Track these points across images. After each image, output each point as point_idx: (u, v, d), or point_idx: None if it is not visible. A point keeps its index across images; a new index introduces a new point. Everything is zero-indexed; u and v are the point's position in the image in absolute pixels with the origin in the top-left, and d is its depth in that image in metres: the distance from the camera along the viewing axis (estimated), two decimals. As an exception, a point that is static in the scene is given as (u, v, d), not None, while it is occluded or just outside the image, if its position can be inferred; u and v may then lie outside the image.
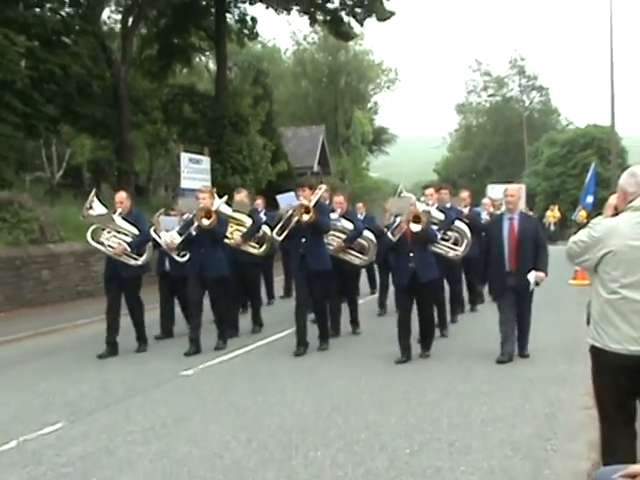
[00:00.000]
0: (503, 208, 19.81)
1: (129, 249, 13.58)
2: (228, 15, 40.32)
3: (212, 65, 46.64)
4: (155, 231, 14.39)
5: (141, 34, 37.38)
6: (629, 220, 6.22)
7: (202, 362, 12.91)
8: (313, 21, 41.71)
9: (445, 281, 16.09)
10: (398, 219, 13.05)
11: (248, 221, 15.54)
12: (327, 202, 15.30)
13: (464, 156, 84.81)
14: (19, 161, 33.95)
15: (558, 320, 16.12)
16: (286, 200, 14.00)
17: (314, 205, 13.18)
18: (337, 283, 15.33)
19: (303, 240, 13.29)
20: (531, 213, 51.29)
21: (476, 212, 18.64)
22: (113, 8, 37.33)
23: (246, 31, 42.21)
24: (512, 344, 12.46)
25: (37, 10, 32.40)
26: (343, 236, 14.79)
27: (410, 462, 7.85)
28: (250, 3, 40.55)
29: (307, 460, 7.97)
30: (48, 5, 33.25)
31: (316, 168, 55.03)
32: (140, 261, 13.80)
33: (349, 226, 14.85)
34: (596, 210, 38.12)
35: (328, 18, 40.09)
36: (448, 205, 16.26)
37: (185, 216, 14.27)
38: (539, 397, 10.35)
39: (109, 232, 13.66)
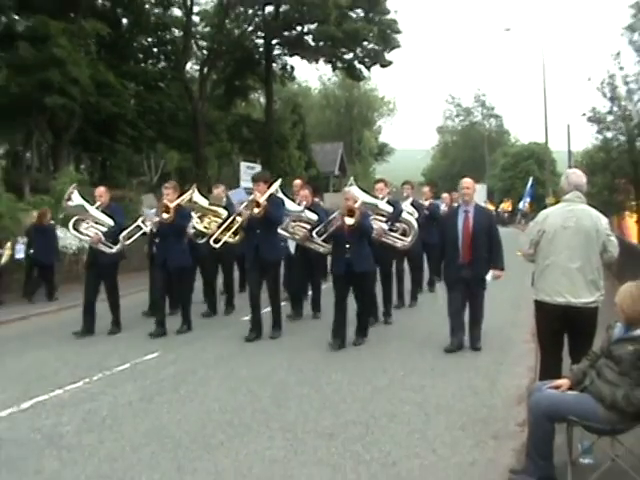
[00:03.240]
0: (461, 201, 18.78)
1: (103, 238, 11.20)
2: (274, 64, 40.30)
3: (262, 99, 46.46)
4: (143, 221, 11.90)
5: (212, 79, 37.35)
6: (561, 208, 6.52)
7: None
8: (334, 67, 41.79)
9: (408, 267, 13.76)
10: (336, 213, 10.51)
11: (224, 213, 12.20)
12: (307, 197, 12.05)
13: (443, 164, 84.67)
14: (128, 169, 34.10)
15: (508, 281, 16.11)
16: (237, 195, 11.68)
17: (267, 199, 10.28)
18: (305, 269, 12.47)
19: (257, 231, 10.44)
20: (489, 205, 51.33)
21: (436, 205, 15.78)
22: (194, 61, 37.32)
23: (286, 75, 42.24)
24: (461, 333, 9.63)
25: (142, 65, 32.65)
26: (308, 226, 11.59)
27: (404, 381, 7.98)
28: (289, 56, 40.55)
29: (330, 379, 8.11)
30: (150, 61, 33.51)
31: (337, 173, 55.03)
32: (114, 249, 11.32)
33: (313, 217, 11.71)
34: (536, 204, 38.58)
35: (345, 65, 40.11)
36: (410, 199, 13.59)
37: (153, 210, 11.47)
38: (495, 335, 10.37)
39: (88, 222, 11.36)
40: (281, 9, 36.24)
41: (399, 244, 11.81)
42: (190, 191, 11.94)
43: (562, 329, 6.45)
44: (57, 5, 26.11)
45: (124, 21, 31.25)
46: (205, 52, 36.76)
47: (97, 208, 11.44)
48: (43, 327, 12.27)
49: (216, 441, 6.12)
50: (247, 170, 31.74)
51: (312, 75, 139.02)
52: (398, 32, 37.57)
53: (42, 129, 26.60)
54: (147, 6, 32.11)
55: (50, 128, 26.76)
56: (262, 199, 10.20)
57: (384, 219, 11.34)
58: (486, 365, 8.69)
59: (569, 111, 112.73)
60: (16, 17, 26.02)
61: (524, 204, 39.56)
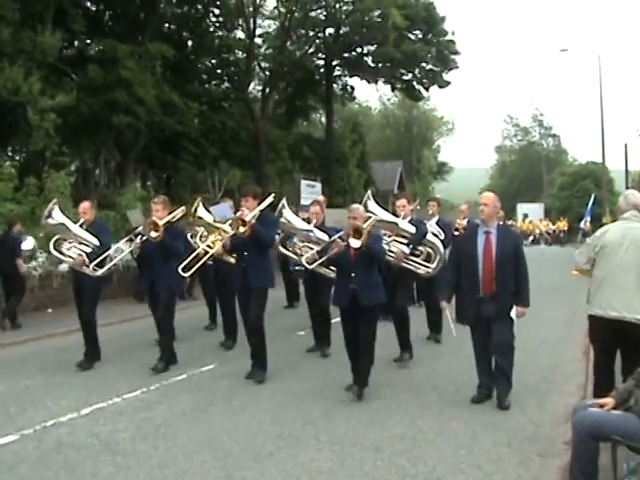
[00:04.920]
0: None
1: (87, 260, 9.72)
2: (334, 85, 40.50)
3: (323, 119, 46.72)
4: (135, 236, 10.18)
5: (274, 98, 37.72)
6: (618, 226, 6.65)
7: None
8: (393, 88, 41.77)
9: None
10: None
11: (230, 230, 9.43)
12: (317, 215, 10.33)
13: (501, 183, 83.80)
14: (192, 186, 34.58)
15: (562, 300, 15.94)
16: (220, 211, 10.01)
17: (256, 217, 8.80)
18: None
19: (245, 254, 8.93)
20: (547, 224, 50.55)
21: (473, 224, 13.61)
22: (256, 81, 37.74)
23: (346, 95, 42.36)
24: (490, 378, 7.76)
25: (206, 85, 33.22)
26: (317, 248, 9.52)
27: (453, 397, 7.98)
28: (350, 77, 40.74)
29: (379, 395, 8.12)
30: (213, 82, 34.08)
31: (396, 191, 54.91)
32: (100, 272, 9.78)
33: (324, 237, 9.60)
34: (594, 222, 37.96)
35: (404, 86, 40.08)
36: (436, 218, 11.86)
37: (140, 229, 9.90)
38: (547, 353, 10.34)
39: (71, 242, 9.96)
40: (341, 31, 36.42)
41: (422, 270, 10.02)
42: (180, 209, 10.25)
43: (615, 345, 6.52)
44: (125, 29, 26.85)
45: (189, 43, 31.83)
46: (267, 73, 37.13)
47: (81, 226, 10.02)
48: (107, 339, 12.51)
49: (265, 452, 6.19)
50: (307, 188, 31.95)
51: (373, 95, 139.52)
52: (456, 53, 37.47)
53: (109, 147, 27.22)
54: (211, 29, 32.69)
55: (117, 146, 27.37)
56: (249, 217, 8.68)
57: (405, 241, 9.70)
58: (536, 383, 8.62)
59: (627, 130, 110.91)
60: (88, 41, 26.81)
61: (585, 223, 38.90)
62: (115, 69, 22.97)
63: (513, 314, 7.57)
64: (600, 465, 4.97)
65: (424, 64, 37.25)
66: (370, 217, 8.43)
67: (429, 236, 10.32)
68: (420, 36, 36.72)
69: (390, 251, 9.45)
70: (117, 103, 22.83)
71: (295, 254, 10.71)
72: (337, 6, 34.86)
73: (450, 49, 37.13)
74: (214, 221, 10.28)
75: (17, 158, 24.81)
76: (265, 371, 8.98)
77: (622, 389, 5.16)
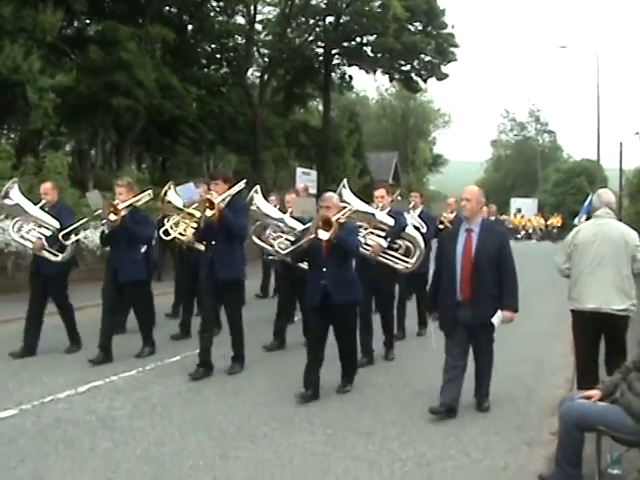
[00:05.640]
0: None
1: (46, 244, 9.18)
2: (333, 74, 40.55)
3: (321, 107, 46.71)
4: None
5: (273, 85, 37.73)
6: (591, 224, 6.95)
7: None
8: (391, 79, 41.83)
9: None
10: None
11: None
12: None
13: (496, 177, 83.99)
14: (188, 170, 34.62)
15: (551, 295, 16.07)
16: (186, 192, 9.42)
17: (227, 203, 8.26)
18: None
19: (213, 242, 8.32)
20: (539, 219, 50.54)
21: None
22: (255, 67, 37.73)
23: (345, 85, 42.46)
24: (455, 392, 6.90)
25: (205, 70, 33.22)
26: (292, 238, 9.01)
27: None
28: (348, 66, 40.79)
29: (372, 381, 8.25)
30: (212, 67, 34.08)
31: (391, 181, 55.05)
32: (60, 257, 9.23)
33: (297, 226, 9.16)
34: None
35: (402, 77, 40.15)
36: (418, 210, 11.54)
37: (97, 212, 9.28)
38: (536, 347, 10.52)
39: (31, 225, 9.35)
40: (341, 20, 36.47)
41: (400, 266, 9.24)
42: (146, 192, 9.61)
43: (596, 337, 6.80)
44: (126, 11, 26.75)
45: (189, 27, 31.82)
46: (266, 59, 37.13)
47: (42, 208, 9.42)
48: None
49: (259, 432, 6.34)
50: (303, 175, 32.05)
51: (370, 85, 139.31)
52: (455, 46, 37.57)
53: (107, 128, 27.19)
54: (212, 14, 32.69)
55: (115, 128, 27.35)
56: (218, 199, 8.07)
57: (383, 234, 9.05)
58: (525, 375, 8.77)
59: (622, 129, 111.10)
60: (87, 22, 26.78)
61: (579, 220, 39.18)
62: (115, 51, 22.94)
63: (495, 319, 6.86)
64: (585, 455, 5.12)
65: (423, 56, 37.32)
66: (345, 207, 7.90)
67: (409, 229, 9.51)
68: (420, 28, 36.80)
69: (366, 244, 8.88)
70: (117, 85, 22.83)
71: (268, 244, 10.18)
72: (338, -5, 34.88)
73: (449, 42, 37.23)
74: (183, 205, 9.86)
75: (12, 136, 24.77)
76: (242, 364, 8.68)
77: (608, 382, 5.31)
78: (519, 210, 53.93)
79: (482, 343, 7.10)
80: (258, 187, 10.00)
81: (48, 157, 18.78)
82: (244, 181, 8.95)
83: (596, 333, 6.71)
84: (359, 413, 7.03)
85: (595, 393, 5.17)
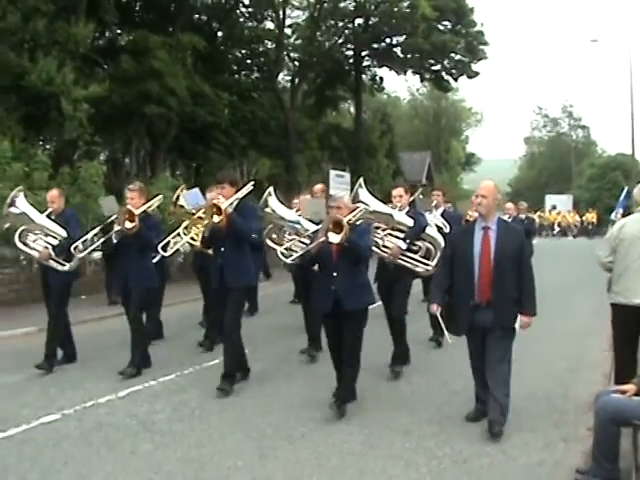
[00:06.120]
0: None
1: (53, 253, 8.94)
2: (363, 75, 40.61)
3: (352, 109, 46.75)
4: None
5: (304, 89, 37.88)
6: (635, 218, 6.89)
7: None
8: (422, 78, 41.74)
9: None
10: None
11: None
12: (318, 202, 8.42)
13: (529, 174, 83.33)
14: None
15: (588, 291, 15.96)
16: (192, 198, 8.76)
17: (235, 207, 7.79)
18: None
19: (222, 249, 7.91)
20: (574, 216, 49.92)
21: (519, 219, 13.47)
22: (286, 72, 37.90)
23: (375, 86, 42.47)
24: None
25: (236, 76, 33.49)
26: (307, 241, 8.18)
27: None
28: (378, 67, 40.82)
29: (409, 381, 8.30)
30: (243, 72, 34.34)
31: (424, 181, 54.94)
32: (67, 267, 8.98)
33: (312, 228, 8.25)
34: (625, 214, 37.78)
35: (433, 76, 40.07)
36: (441, 209, 11.16)
37: (113, 218, 8.81)
38: (573, 343, 10.51)
39: (37, 234, 9.15)
40: (370, 22, 36.50)
41: (420, 269, 8.73)
42: (157, 198, 9.49)
43: (637, 332, 6.70)
44: (156, 20, 27.15)
45: (219, 34, 32.11)
46: (296, 63, 37.30)
47: (49, 216, 9.21)
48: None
49: (297, 433, 6.43)
50: (336, 178, 32.09)
51: (401, 86, 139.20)
52: (485, 44, 37.36)
53: (141, 137, 27.57)
54: (241, 20, 32.94)
55: (148, 136, 27.72)
56: (224, 205, 7.62)
57: (402, 235, 8.58)
58: (562, 372, 8.77)
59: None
60: (119, 32, 27.16)
61: (616, 214, 38.69)
62: (147, 60, 23.26)
63: (517, 325, 6.49)
64: (622, 450, 5.15)
65: (453, 55, 37.20)
66: (357, 208, 7.50)
67: (429, 229, 9.01)
68: (449, 27, 36.66)
69: (384, 246, 8.51)
70: (149, 93, 23.15)
71: (284, 247, 9.61)
72: (366, -4, 34.94)
73: (479, 40, 37.03)
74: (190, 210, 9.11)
75: (48, 147, 25.15)
76: (234, 378, 7.99)
77: (643, 376, 5.33)
78: (554, 207, 53.47)
79: (498, 351, 6.44)
80: (272, 189, 9.62)
81: (83, 167, 19.06)
82: (252, 183, 8.31)
83: (637, 328, 6.71)
84: (396, 412, 7.08)
85: (630, 387, 5.19)
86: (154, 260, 9.45)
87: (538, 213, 48.94)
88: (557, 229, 48.66)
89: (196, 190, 8.90)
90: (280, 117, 34.26)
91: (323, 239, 6.87)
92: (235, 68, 33.99)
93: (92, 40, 23.03)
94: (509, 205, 15.22)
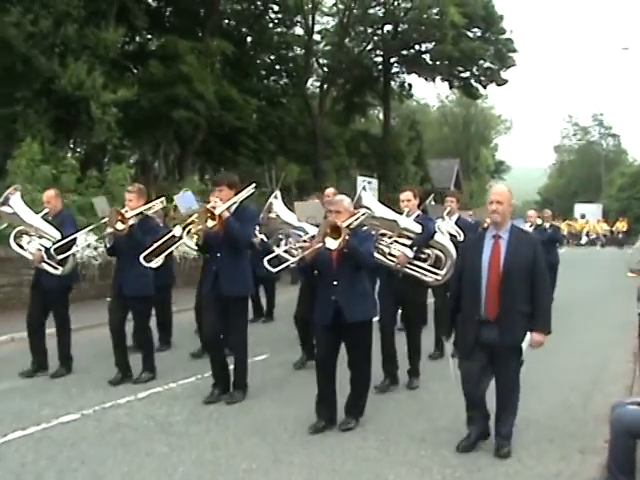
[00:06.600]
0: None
1: (46, 256, 8.46)
2: (392, 82, 40.67)
3: (381, 116, 46.79)
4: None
5: (332, 95, 38.00)
6: None
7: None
8: (451, 86, 41.85)
9: None
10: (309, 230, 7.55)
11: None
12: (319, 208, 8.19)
13: (559, 183, 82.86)
14: (250, 180, 35.02)
15: (614, 302, 15.82)
16: (185, 201, 8.16)
17: (231, 211, 7.32)
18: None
19: (218, 255, 7.44)
20: (603, 225, 49.43)
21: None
22: (314, 78, 38.06)
23: (404, 93, 42.52)
24: (483, 421, 6.21)
25: (264, 81, 33.65)
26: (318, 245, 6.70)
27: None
28: (407, 74, 40.89)
29: (427, 388, 8.28)
30: (272, 78, 34.51)
31: (452, 189, 54.77)
32: (60, 270, 8.51)
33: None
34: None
35: (462, 83, 40.10)
36: (455, 216, 10.47)
37: (105, 219, 8.48)
38: (596, 354, 10.40)
39: (32, 235, 8.70)
40: (399, 28, 36.58)
41: (429, 278, 8.21)
42: (159, 200, 9.12)
43: None
44: (186, 25, 27.39)
45: (248, 40, 32.32)
46: (325, 69, 37.44)
47: (44, 217, 8.78)
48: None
49: (313, 438, 6.43)
50: (364, 184, 32.25)
51: (431, 93, 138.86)
52: (514, 51, 37.34)
53: (169, 140, 27.81)
54: (270, 25, 33.12)
55: (176, 140, 27.96)
56: (220, 209, 7.16)
57: (409, 242, 8.05)
58: (582, 383, 8.68)
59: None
60: (149, 37, 27.45)
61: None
62: (175, 65, 23.55)
63: (525, 344, 5.89)
64: (638, 462, 5.10)
65: (482, 62, 37.19)
66: (358, 212, 6.97)
67: (438, 236, 8.47)
68: (478, 34, 36.69)
69: (391, 254, 8.00)
70: (177, 98, 23.40)
71: (290, 254, 8.67)
72: (395, 3, 35.06)
73: (508, 47, 37.02)
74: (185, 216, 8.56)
75: (79, 150, 25.45)
76: (245, 391, 7.77)
77: (661, 387, 5.29)
78: (583, 216, 52.98)
79: (507, 371, 5.99)
80: (278, 192, 9.25)
81: (110, 170, 19.26)
82: (253, 186, 7.89)
83: None
84: (413, 419, 7.08)
85: (647, 399, 5.15)
86: (156, 265, 8.96)
87: (566, 222, 48.55)
88: (585, 238, 48.16)
89: (189, 193, 8.47)
90: (308, 123, 34.40)
91: (320, 245, 6.35)
92: (264, 73, 34.14)
93: (122, 45, 23.34)
94: (531, 212, 15.01)
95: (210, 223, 7.08)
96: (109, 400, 7.61)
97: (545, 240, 13.80)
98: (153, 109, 23.60)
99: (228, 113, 26.10)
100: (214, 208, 7.16)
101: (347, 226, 6.45)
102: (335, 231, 6.23)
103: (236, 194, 7.50)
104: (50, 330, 8.98)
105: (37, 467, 5.70)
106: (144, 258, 8.14)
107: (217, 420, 6.98)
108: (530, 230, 13.03)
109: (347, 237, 6.28)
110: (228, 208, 7.29)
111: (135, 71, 25.70)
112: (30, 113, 19.10)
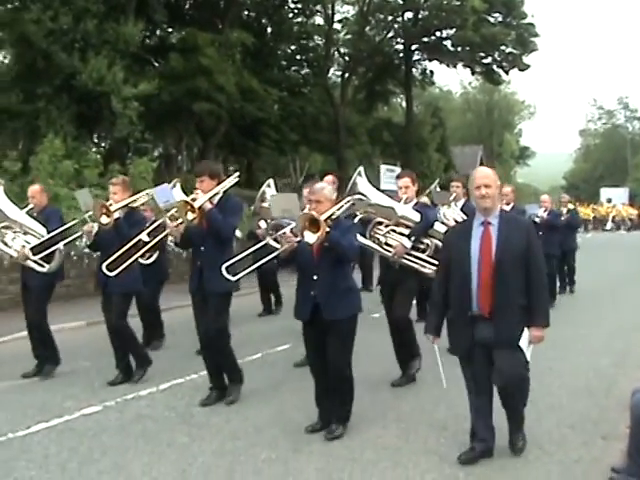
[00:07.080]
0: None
1: (30, 253, 8.02)
2: (413, 69, 40.51)
3: (403, 103, 46.66)
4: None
5: (354, 84, 37.93)
6: None
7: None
8: (473, 72, 41.61)
9: None
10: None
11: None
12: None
13: (585, 167, 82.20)
14: (274, 171, 35.07)
15: (637, 287, 15.68)
16: (162, 194, 7.42)
17: (213, 202, 6.91)
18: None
19: (202, 249, 7.01)
20: (629, 209, 48.84)
21: (520, 210, 11.37)
22: (335, 67, 38.04)
23: (426, 80, 42.34)
24: (489, 434, 5.56)
25: (285, 72, 33.68)
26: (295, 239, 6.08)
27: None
28: (428, 61, 40.67)
29: (449, 374, 8.26)
30: (293, 68, 34.52)
31: (476, 175, 54.60)
32: (47, 268, 8.10)
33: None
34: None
35: (484, 69, 39.86)
36: (460, 202, 9.85)
37: (88, 214, 8.05)
38: (621, 338, 10.30)
39: (16, 232, 8.24)
40: (420, 15, 36.43)
41: (428, 269, 7.60)
42: (145, 192, 8.43)
43: None
44: (205, 17, 27.45)
45: (268, 30, 32.35)
46: (346, 58, 37.42)
47: (29, 212, 8.40)
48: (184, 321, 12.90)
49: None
50: (387, 172, 32.14)
51: (454, 80, 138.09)
52: (536, 35, 37.03)
53: (191, 133, 27.96)
54: (290, 15, 33.11)
55: (198, 132, 28.09)
56: (199, 202, 6.82)
57: (407, 232, 7.59)
58: (606, 367, 8.60)
59: None
60: (169, 30, 27.53)
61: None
62: (195, 57, 23.61)
63: (523, 342, 5.30)
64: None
65: (504, 47, 36.92)
66: (343, 200, 6.53)
67: (438, 225, 7.93)
68: (499, 19, 36.42)
69: (387, 244, 7.62)
70: (198, 90, 23.48)
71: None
72: (415, -10, 34.86)
73: (530, 32, 36.71)
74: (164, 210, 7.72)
75: (102, 145, 25.62)
76: (241, 382, 7.47)
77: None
78: (609, 200, 52.42)
79: (511, 368, 5.33)
80: (271, 180, 8.92)
81: (133, 163, 19.37)
82: (236, 174, 7.56)
83: None
84: (433, 406, 7.05)
85: (668, 384, 5.06)
86: (149, 261, 8.93)
87: (591, 206, 48.09)
88: (610, 224, 47.62)
89: (165, 185, 7.91)
90: (330, 112, 34.40)
91: (298, 239, 5.94)
92: (284, 64, 34.24)
93: (142, 39, 23.44)
94: (545, 197, 14.03)
95: (190, 216, 6.73)
96: (131, 392, 7.66)
97: (562, 226, 13.72)
98: (174, 102, 23.70)
99: (249, 104, 26.16)
100: (194, 200, 6.85)
101: (329, 217, 6.01)
102: (314, 224, 5.80)
103: (218, 184, 7.09)
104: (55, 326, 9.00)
105: (60, 458, 5.76)
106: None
107: (237, 410, 7.00)
108: (545, 215, 12.83)
109: (327, 230, 5.83)
110: (210, 199, 6.94)
111: (156, 65, 25.84)
112: (52, 109, 19.28)
